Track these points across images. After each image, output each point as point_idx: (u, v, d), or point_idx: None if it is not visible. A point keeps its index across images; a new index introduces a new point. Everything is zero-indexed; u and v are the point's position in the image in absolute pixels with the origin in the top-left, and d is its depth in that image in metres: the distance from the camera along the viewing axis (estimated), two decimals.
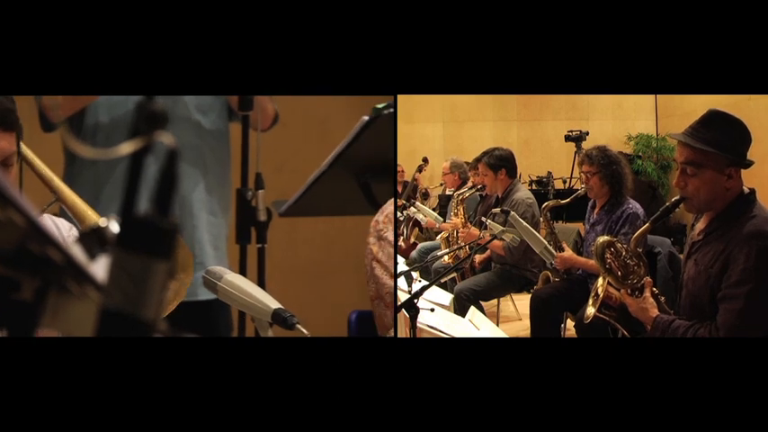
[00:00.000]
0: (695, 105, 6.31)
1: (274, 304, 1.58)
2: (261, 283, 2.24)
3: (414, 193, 7.51)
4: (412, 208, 6.24)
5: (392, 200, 1.92)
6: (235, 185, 2.43)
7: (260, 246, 2.32)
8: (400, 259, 4.09)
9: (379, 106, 2.21)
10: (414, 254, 5.62)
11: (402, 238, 6.54)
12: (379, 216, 1.89)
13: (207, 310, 2.43)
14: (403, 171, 7.72)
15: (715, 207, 2.22)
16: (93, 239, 0.93)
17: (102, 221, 0.94)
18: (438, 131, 9.02)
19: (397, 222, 1.99)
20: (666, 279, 3.24)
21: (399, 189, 7.35)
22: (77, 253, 0.90)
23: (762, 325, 2.07)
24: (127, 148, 0.81)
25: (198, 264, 2.41)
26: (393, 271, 1.82)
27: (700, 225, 2.32)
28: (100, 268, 0.89)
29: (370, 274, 1.85)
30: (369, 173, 2.32)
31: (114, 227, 0.92)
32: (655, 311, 2.32)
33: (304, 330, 1.54)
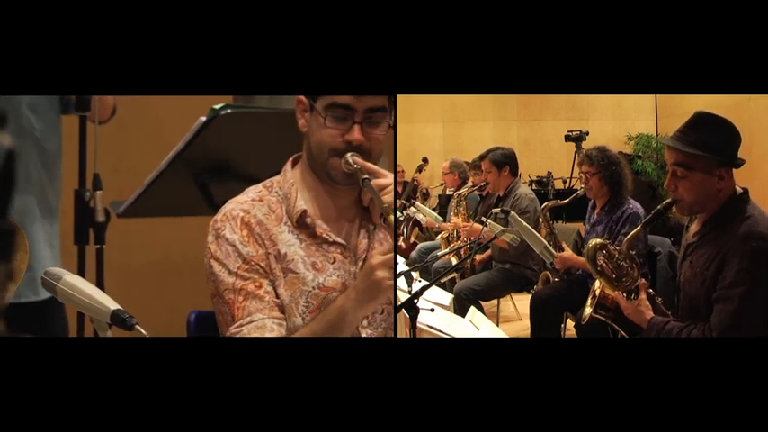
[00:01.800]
0: (695, 105, 6.27)
1: (113, 305, 1.59)
2: (99, 284, 2.22)
3: (414, 193, 7.52)
4: (412, 208, 6.24)
5: (232, 199, 1.91)
6: (72, 186, 2.37)
7: (98, 247, 2.30)
8: (400, 259, 4.08)
9: (217, 107, 2.20)
10: (414, 254, 5.62)
11: (402, 238, 6.54)
12: (218, 215, 1.90)
13: (41, 310, 2.38)
14: (403, 171, 7.73)
15: (708, 209, 2.21)
16: None
17: None
18: (438, 131, 9.02)
19: (397, 222, 1.98)
20: (666, 279, 3.25)
21: (399, 189, 7.35)
22: None
23: (755, 326, 2.07)
24: None
25: (32, 264, 2.35)
26: (233, 269, 1.83)
27: (694, 227, 2.31)
28: None
29: (209, 272, 1.87)
30: (206, 173, 2.33)
31: None
32: (650, 313, 2.31)
33: (143, 331, 1.55)
